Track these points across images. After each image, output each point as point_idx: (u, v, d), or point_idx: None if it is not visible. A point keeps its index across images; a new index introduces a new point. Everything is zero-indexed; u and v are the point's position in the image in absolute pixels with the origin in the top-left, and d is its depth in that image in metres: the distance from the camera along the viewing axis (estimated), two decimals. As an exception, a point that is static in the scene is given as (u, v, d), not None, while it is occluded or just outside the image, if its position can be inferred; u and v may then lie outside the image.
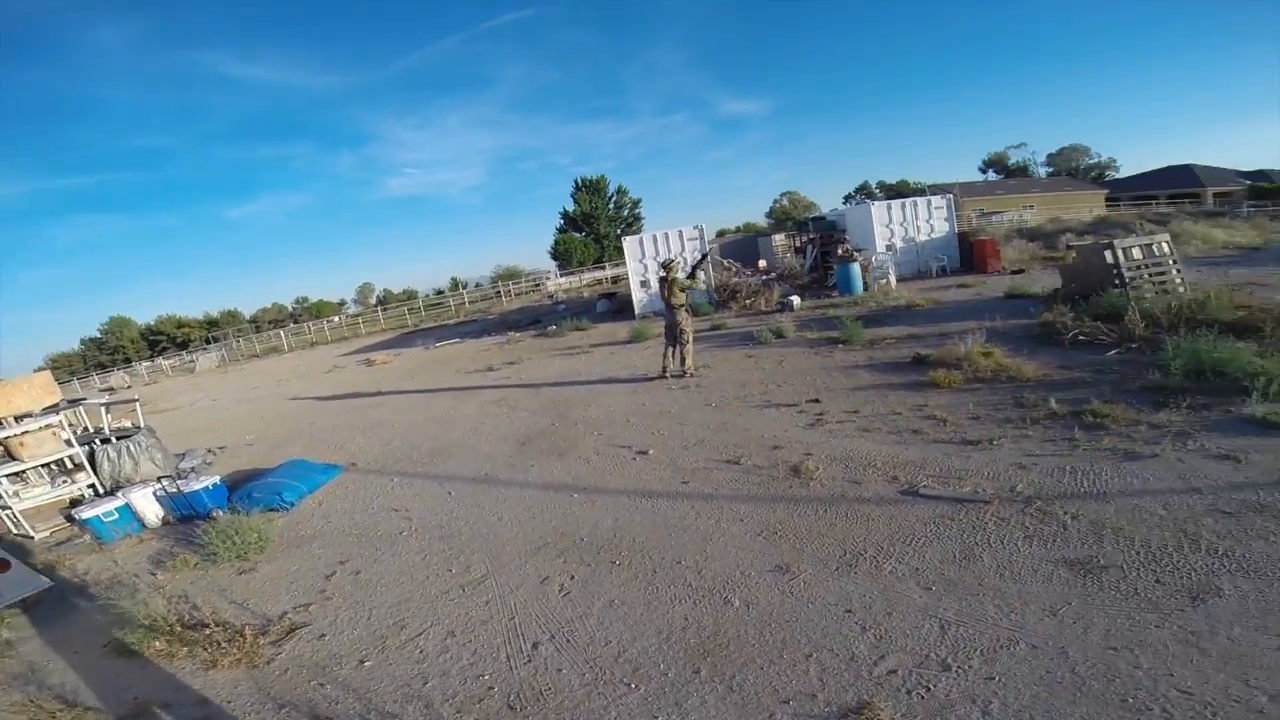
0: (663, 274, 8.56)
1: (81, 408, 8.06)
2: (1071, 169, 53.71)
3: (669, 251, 15.81)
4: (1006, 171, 55.30)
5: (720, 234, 39.02)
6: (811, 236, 17.71)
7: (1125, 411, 4.84)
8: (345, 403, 11.64)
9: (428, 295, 48.40)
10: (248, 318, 60.29)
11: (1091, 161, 55.21)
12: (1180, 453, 4.08)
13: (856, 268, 14.00)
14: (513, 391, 9.56)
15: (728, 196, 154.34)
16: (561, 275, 37.39)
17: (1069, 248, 13.52)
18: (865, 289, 13.81)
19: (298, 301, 66.11)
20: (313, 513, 5.77)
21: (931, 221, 16.46)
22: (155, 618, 3.94)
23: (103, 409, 8.36)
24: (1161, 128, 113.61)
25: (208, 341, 47.85)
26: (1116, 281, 8.71)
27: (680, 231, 16.18)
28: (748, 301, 14.55)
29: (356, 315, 44.18)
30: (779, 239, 23.62)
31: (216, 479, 6.37)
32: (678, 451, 5.64)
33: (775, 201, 58.80)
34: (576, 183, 45.24)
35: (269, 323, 56.07)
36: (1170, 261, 9.03)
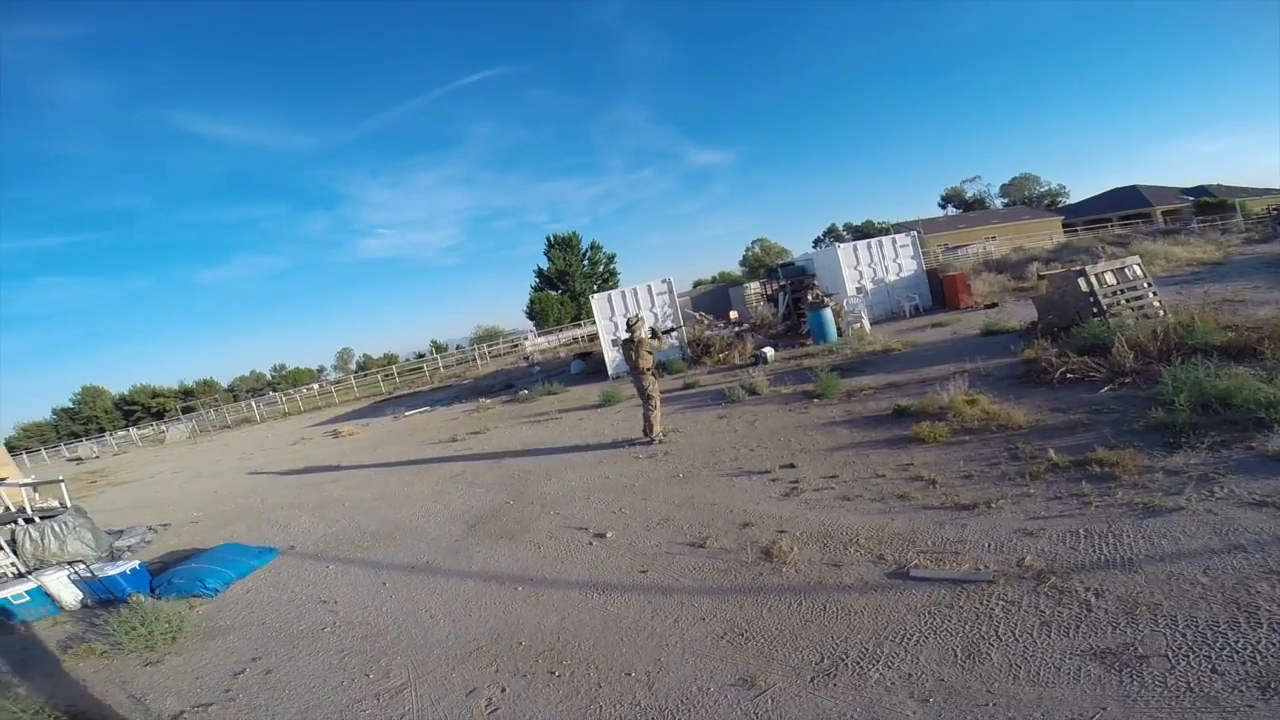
0: (626, 335, 8.12)
1: (3, 489, 8.24)
2: (1025, 198, 55.63)
3: (638, 307, 15.45)
4: (965, 205, 57.15)
5: (696, 285, 39.25)
6: (782, 284, 17.50)
7: (1134, 457, 4.31)
8: (302, 478, 11.20)
9: (407, 359, 47.73)
10: (225, 386, 59.12)
11: (1043, 189, 57.36)
12: (1209, 502, 3.54)
13: (829, 313, 13.68)
14: (472, 465, 8.99)
15: (700, 247, 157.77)
16: (539, 335, 37.05)
17: (1041, 277, 13.39)
18: (839, 335, 13.45)
19: (276, 369, 65.08)
20: (237, 601, 5.52)
21: (899, 260, 16.37)
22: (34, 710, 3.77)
23: (25, 489, 8.57)
24: (1101, 151, 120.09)
25: (183, 411, 46.58)
26: (1095, 310, 8.38)
27: (649, 286, 15.88)
28: (721, 356, 14.09)
29: (335, 382, 43.26)
30: (752, 288, 23.48)
31: (137, 563, 6.33)
32: (639, 533, 5.06)
33: (747, 249, 59.82)
34: (549, 240, 45.72)
35: (247, 391, 55.06)
36: (1145, 284, 8.76)
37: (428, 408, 18.61)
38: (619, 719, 2.81)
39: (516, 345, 35.07)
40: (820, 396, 8.28)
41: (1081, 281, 8.75)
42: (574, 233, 46.02)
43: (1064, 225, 39.99)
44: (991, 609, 3.01)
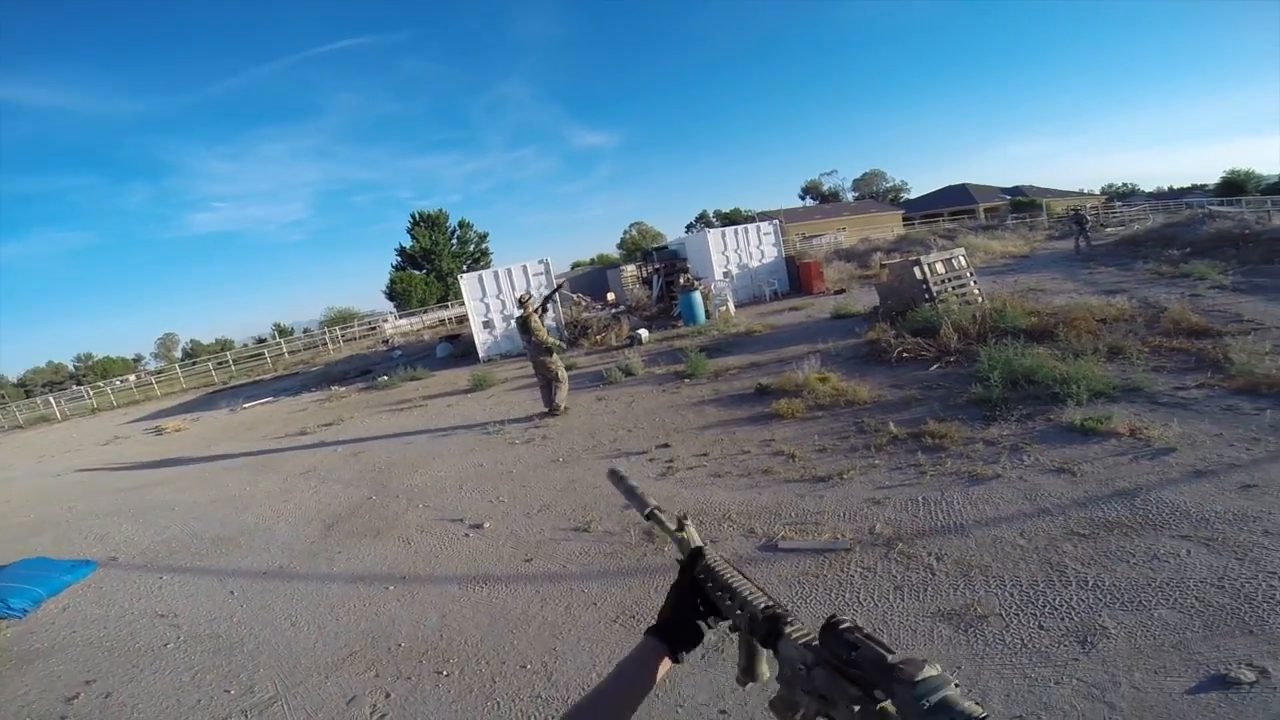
0: (519, 312, 8.12)
1: None
2: (873, 192, 61.21)
3: (513, 288, 14.90)
4: (821, 197, 61.66)
5: (574, 266, 38.81)
6: (657, 267, 17.77)
7: (959, 430, 4.81)
8: (119, 481, 9.59)
9: (245, 345, 42.45)
10: (14, 381, 49.09)
11: (888, 185, 63.38)
12: (1019, 469, 4.02)
13: (698, 296, 14.10)
14: (327, 459, 8.17)
15: (580, 229, 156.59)
16: (401, 317, 34.56)
17: (883, 266, 14.72)
18: (708, 317, 13.92)
19: (80, 359, 55.10)
20: (54, 620, 4.83)
21: (762, 247, 17.24)
22: None
23: None
24: (938, 151, 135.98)
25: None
26: (927, 296, 9.34)
27: (524, 267, 15.35)
28: (599, 337, 14.02)
29: (156, 373, 37.35)
30: (629, 270, 23.66)
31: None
32: (519, 521, 4.84)
33: (625, 232, 60.14)
34: (414, 217, 42.63)
35: (43, 385, 46.03)
36: (968, 274, 9.92)
37: (271, 398, 16.72)
38: (521, 714, 2.65)
39: (375, 328, 32.45)
40: (691, 377, 8.49)
41: (916, 270, 9.71)
42: (442, 210, 43.24)
43: (904, 219, 44.20)
44: (851, 576, 3.20)
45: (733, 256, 16.81)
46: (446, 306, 34.23)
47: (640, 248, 44.91)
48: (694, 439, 6.01)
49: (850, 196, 60.75)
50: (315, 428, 10.62)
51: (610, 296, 18.16)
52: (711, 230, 17.34)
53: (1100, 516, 3.26)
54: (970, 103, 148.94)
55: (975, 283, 9.88)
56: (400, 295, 39.07)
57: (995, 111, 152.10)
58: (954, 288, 9.51)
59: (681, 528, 0.85)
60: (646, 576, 3.64)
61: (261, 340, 42.70)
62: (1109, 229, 22.39)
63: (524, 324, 8.02)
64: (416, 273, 41.15)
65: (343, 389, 14.99)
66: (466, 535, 4.79)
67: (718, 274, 16.22)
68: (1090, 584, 2.75)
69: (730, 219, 50.12)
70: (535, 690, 2.79)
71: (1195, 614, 2.45)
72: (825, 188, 63.45)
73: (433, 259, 41.54)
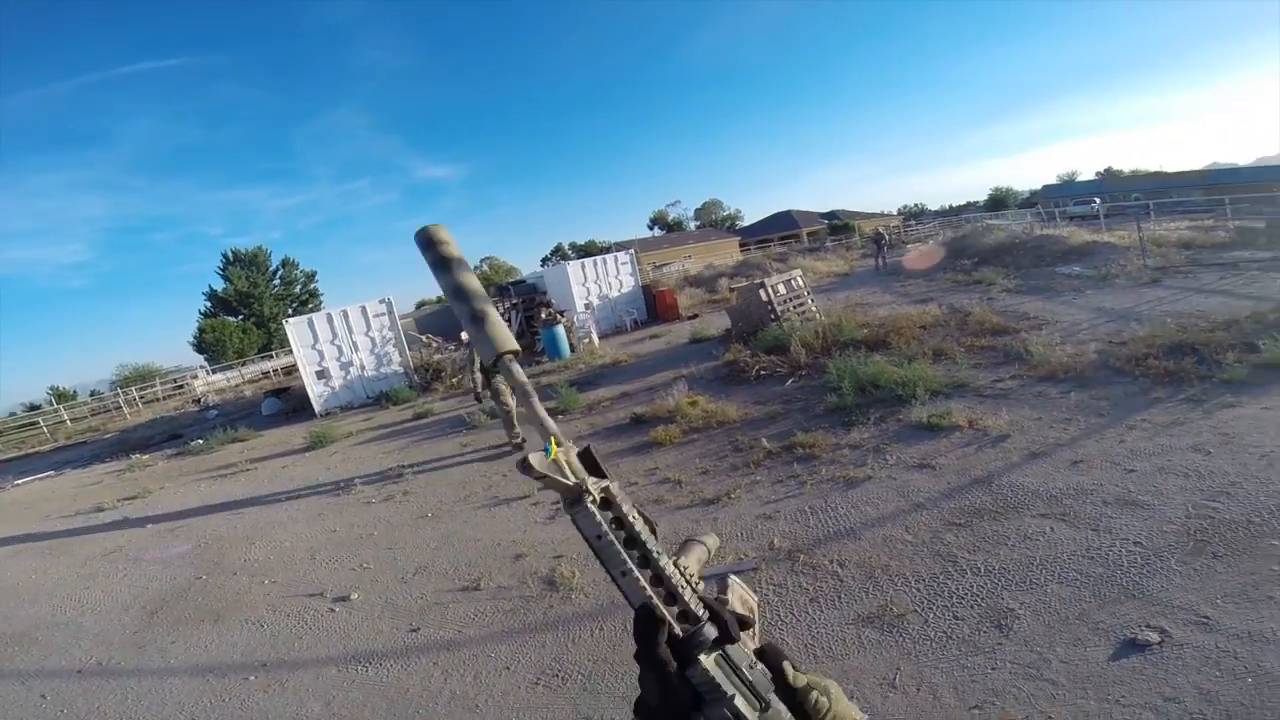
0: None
1: None
2: (713, 220, 65.70)
3: (350, 332, 13.59)
4: (667, 226, 64.95)
5: (420, 305, 36.60)
6: (515, 301, 17.26)
7: (825, 438, 5.07)
8: None
9: (13, 414, 34.13)
10: None
11: (725, 213, 68.43)
12: (886, 469, 4.28)
13: (561, 330, 13.87)
14: (135, 537, 6.84)
15: (425, 266, 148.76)
16: (215, 371, 30.07)
17: (731, 290, 15.66)
18: (573, 350, 13.73)
19: None
20: None
21: (620, 277, 17.53)
22: None
23: None
24: (765, 178, 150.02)
25: None
26: (772, 316, 9.99)
27: (363, 307, 14.04)
28: (454, 380, 13.17)
29: None
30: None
31: None
32: (393, 588, 4.27)
33: (476, 268, 57.91)
34: (226, 257, 37.76)
35: None
36: (806, 293, 10.79)
37: (52, 471, 13.65)
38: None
39: (182, 386, 27.89)
40: (564, 412, 8.23)
41: (762, 292, 10.37)
42: (261, 247, 38.77)
43: (740, 244, 47.89)
44: (766, 594, 3.15)
45: (593, 288, 16.86)
46: (271, 356, 30.41)
47: (494, 283, 43.74)
48: (576, 476, 5.73)
49: (693, 225, 64.61)
50: (115, 503, 8.79)
51: (464, 336, 17.27)
52: (571, 262, 17.31)
53: (968, 505, 3.53)
54: (788, 132, 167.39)
55: (812, 300, 10.77)
56: (212, 346, 34.04)
57: (811, 139, 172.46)
58: (795, 307, 10.27)
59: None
60: (558, 630, 3.34)
61: (35, 407, 34.55)
62: (909, 245, 26.02)
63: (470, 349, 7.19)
64: (231, 319, 36.30)
65: (146, 457, 12.52)
66: (332, 610, 4.17)
67: (579, 306, 16.14)
68: (982, 570, 2.92)
69: (586, 250, 50.84)
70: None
71: (1082, 586, 2.68)
72: (671, 217, 67.03)
73: (251, 303, 36.96)
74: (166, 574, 5.49)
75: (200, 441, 12.34)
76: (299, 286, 40.28)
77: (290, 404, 15.22)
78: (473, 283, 0.60)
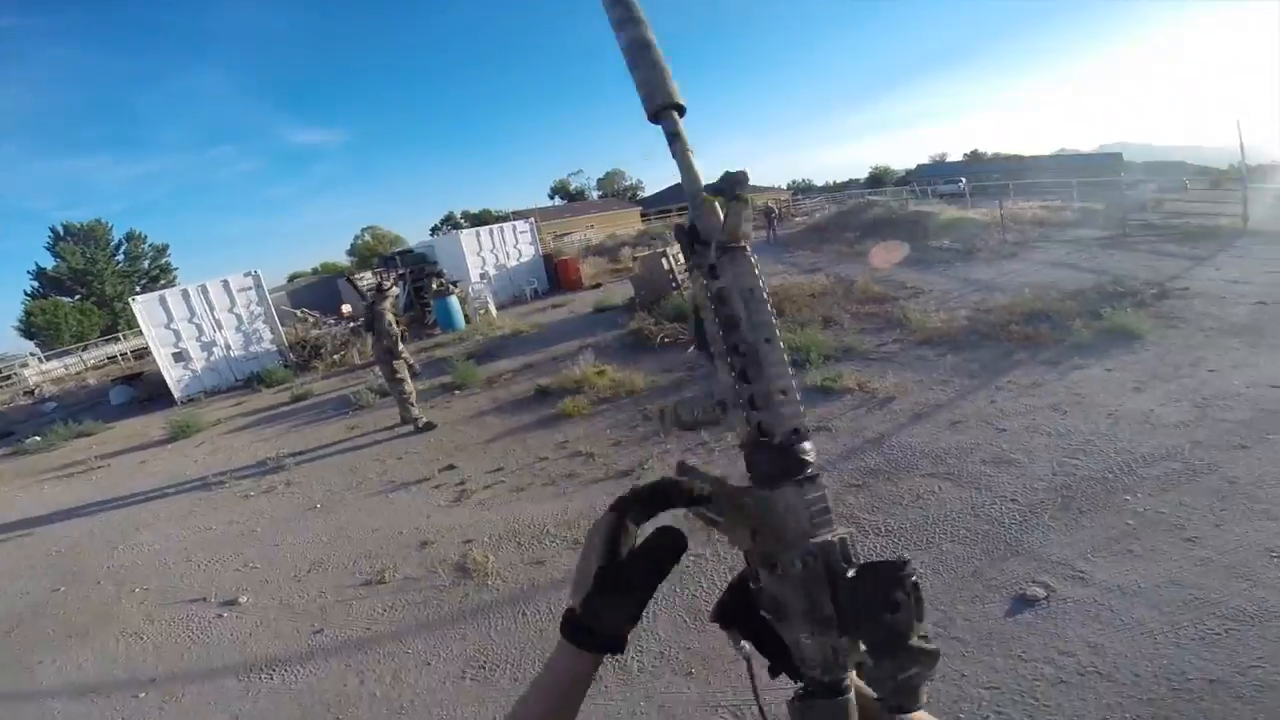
0: (378, 303, 6.74)
1: None
2: (615, 191, 65.16)
3: (211, 309, 12.15)
4: (569, 196, 63.56)
5: (292, 278, 33.39)
6: (401, 272, 16.13)
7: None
8: None
9: None
10: None
11: (627, 183, 68.03)
12: (788, 435, 4.42)
13: (455, 301, 13.21)
14: None
15: (297, 237, 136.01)
16: (50, 358, 25.91)
17: (635, 259, 15.59)
18: (468, 322, 13.13)
19: None
20: None
21: (519, 247, 16.95)
22: None
23: None
24: (664, 152, 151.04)
25: None
26: (674, 284, 10.08)
27: (225, 282, 12.55)
28: (335, 357, 12.17)
29: None
30: (365, 278, 21.10)
31: None
32: (286, 588, 3.91)
33: (357, 238, 54.09)
34: (56, 231, 32.54)
35: None
36: (707, 263, 10.96)
37: None
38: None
39: (10, 377, 23.77)
40: (461, 388, 7.82)
41: (664, 261, 10.42)
42: (100, 220, 33.90)
43: (642, 215, 48.06)
44: (702, 565, 3.12)
45: (489, 257, 16.18)
46: (117, 339, 26.66)
47: (376, 253, 40.87)
48: (482, 454, 5.50)
49: (595, 195, 63.75)
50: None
51: (346, 309, 15.94)
52: (465, 231, 16.45)
53: (864, 466, 3.73)
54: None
55: (714, 270, 10.98)
56: (44, 330, 29.44)
57: (701, 114, 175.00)
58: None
59: None
60: (478, 619, 3.17)
61: None
62: (798, 218, 27.23)
63: (373, 319, 6.58)
64: (66, 300, 31.48)
65: (-41, 462, 10.56)
66: (219, 616, 3.79)
67: (474, 276, 15.43)
68: (883, 531, 3.08)
69: (480, 219, 48.53)
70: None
71: (972, 544, 2.89)
72: (573, 187, 65.61)
73: (90, 281, 32.25)
74: (15, 588, 4.81)
75: (38, 438, 10.63)
76: (147, 261, 35.74)
77: (144, 391, 13.40)
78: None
